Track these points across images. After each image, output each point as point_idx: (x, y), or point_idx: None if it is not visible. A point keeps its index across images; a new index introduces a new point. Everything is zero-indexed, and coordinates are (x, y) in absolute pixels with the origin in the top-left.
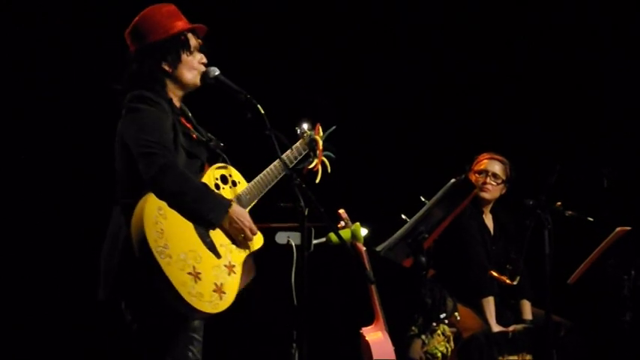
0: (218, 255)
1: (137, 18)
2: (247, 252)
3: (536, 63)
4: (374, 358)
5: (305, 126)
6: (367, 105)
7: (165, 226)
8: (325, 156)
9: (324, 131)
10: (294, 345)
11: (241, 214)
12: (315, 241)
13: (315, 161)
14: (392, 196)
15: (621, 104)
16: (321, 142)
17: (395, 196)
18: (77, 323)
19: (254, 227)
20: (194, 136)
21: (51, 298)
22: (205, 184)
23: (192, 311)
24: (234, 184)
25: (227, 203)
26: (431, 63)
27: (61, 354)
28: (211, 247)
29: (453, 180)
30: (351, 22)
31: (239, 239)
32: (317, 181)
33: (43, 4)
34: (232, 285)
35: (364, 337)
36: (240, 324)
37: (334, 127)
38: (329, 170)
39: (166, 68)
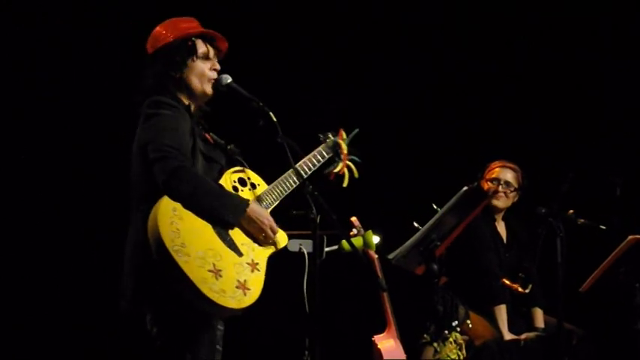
0: (239, 253)
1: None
2: (272, 250)
3: (536, 63)
4: None
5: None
6: (367, 105)
7: (180, 226)
8: (350, 160)
9: (347, 135)
10: (307, 352)
11: (260, 213)
12: (327, 249)
13: (341, 165)
14: (398, 202)
15: (621, 104)
16: (344, 146)
17: (399, 201)
18: (77, 324)
19: (274, 226)
20: (211, 140)
21: (49, 299)
22: (221, 185)
23: (216, 308)
24: (253, 186)
25: (245, 203)
26: (431, 63)
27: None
28: (231, 246)
29: (465, 188)
30: (351, 22)
31: (260, 238)
32: (344, 184)
33: (43, 4)
34: (257, 282)
35: (376, 344)
36: (252, 331)
37: (357, 130)
38: (356, 175)
39: (172, 74)
